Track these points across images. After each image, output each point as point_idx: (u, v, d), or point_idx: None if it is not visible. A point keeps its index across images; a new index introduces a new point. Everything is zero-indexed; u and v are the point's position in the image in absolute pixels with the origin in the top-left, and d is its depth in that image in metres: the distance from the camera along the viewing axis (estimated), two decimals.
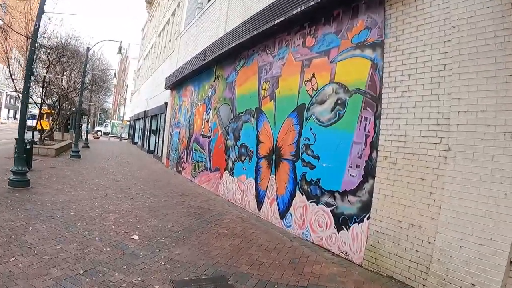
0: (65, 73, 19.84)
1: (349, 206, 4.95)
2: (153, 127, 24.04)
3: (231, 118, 8.79)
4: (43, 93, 17.04)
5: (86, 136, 24.28)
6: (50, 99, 21.43)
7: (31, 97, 18.95)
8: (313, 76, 5.86)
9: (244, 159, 7.88)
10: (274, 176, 6.67)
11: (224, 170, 8.86)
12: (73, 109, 28.85)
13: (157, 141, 20.89)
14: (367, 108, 4.83)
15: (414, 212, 4.12)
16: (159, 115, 21.02)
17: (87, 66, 22.54)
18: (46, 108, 22.13)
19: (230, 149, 8.64)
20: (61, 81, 19.60)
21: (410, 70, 4.37)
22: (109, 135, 42.78)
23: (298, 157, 6.00)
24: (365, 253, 4.66)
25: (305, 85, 6.02)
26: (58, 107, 19.96)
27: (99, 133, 44.08)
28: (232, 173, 8.40)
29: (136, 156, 20.05)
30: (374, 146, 4.68)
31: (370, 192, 4.65)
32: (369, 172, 4.71)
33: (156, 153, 20.45)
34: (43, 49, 16.04)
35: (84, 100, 29.44)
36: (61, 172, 10.17)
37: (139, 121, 33.03)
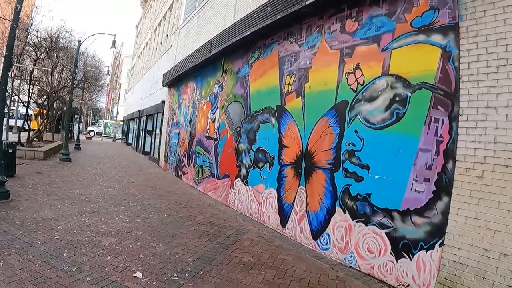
0: (55, 70, 18.57)
1: (413, 229, 3.89)
2: (149, 128, 22.81)
3: (243, 118, 7.68)
4: (30, 91, 15.77)
5: (78, 136, 22.94)
6: (40, 98, 20.14)
7: (17, 95, 17.76)
8: (358, 67, 4.78)
9: (262, 166, 6.78)
10: (303, 187, 5.58)
11: (236, 178, 7.75)
12: (64, 108, 27.49)
13: (153, 142, 19.69)
14: (439, 107, 3.77)
15: (508, 239, 3.15)
16: (155, 114, 19.82)
17: (79, 62, 21.30)
18: (35, 107, 20.84)
19: (243, 153, 7.53)
20: (51, 77, 18.31)
21: (499, 60, 3.37)
22: (102, 135, 41.35)
23: (339, 166, 4.91)
24: (435, 287, 3.63)
25: (347, 78, 4.94)
26: (47, 106, 18.65)
27: (91, 134, 42.64)
28: (246, 182, 7.29)
29: (131, 159, 18.83)
30: (449, 154, 3.63)
31: (445, 213, 3.62)
32: (443, 188, 3.66)
33: (152, 155, 19.25)
34: (31, 43, 14.81)
35: (75, 98, 28.12)
36: (47, 179, 8.96)
37: (133, 121, 31.73)
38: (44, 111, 19.51)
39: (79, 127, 27.03)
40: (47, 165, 11.97)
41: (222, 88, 8.99)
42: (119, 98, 51.03)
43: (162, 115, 16.78)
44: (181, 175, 11.99)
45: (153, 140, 19.96)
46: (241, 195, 7.46)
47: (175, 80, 13.73)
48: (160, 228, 5.53)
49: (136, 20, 46.09)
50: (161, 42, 21.76)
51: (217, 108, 9.19)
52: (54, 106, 22.92)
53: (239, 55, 8.15)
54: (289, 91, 6.22)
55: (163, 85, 15.67)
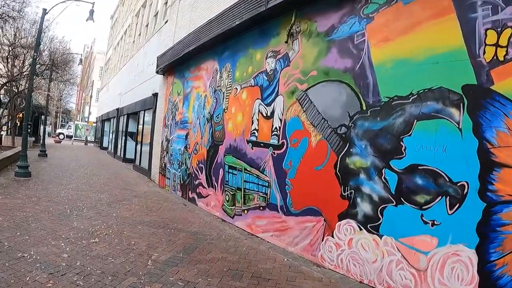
0: (14, 54, 14.29)
1: None
2: (132, 129, 18.73)
3: (357, 110, 4.15)
4: None
5: (43, 141, 18.36)
6: None
7: None
8: None
9: (428, 202, 3.33)
10: None
11: (341, 218, 4.20)
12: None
13: (139, 147, 15.61)
14: None
15: None
16: (142, 112, 15.82)
17: (43, 47, 17.00)
18: None
19: (362, 174, 3.99)
20: (7, 64, 14.01)
21: None
22: (73, 138, 36.43)
23: None
24: None
25: None
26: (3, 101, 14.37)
27: (61, 136, 37.54)
28: (376, 228, 3.78)
29: (111, 169, 14.75)
30: None
31: None
32: None
33: (138, 164, 15.18)
34: None
35: (40, 92, 23.47)
36: None
37: (108, 122, 27.32)
38: None
39: (44, 129, 22.41)
40: None
41: (288, 62, 5.38)
42: (91, 97, 45.87)
43: (154, 112, 12.86)
44: (194, 197, 8.22)
45: (138, 144, 15.93)
46: (360, 251, 3.91)
47: (177, 63, 9.95)
48: None
49: (111, 11, 41.53)
50: (146, 25, 17.82)
51: (276, 95, 5.56)
52: (16, 103, 18.52)
53: (332, 3, 4.63)
54: (502, 58, 2.82)
55: (157, 72, 11.81)
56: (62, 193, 7.83)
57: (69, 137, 38.65)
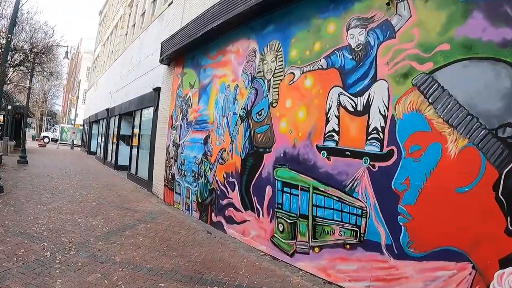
0: None
1: None
2: (125, 132, 16.61)
3: None
4: None
5: (23, 145, 15.86)
6: None
7: None
8: None
9: None
10: None
11: (506, 265, 2.35)
12: (9, 107, 20.35)
13: (136, 153, 13.47)
14: None
15: None
16: (138, 111, 13.69)
17: (24, 35, 14.77)
18: None
19: None
20: None
21: None
22: (58, 142, 33.88)
23: None
24: None
25: None
26: None
27: (46, 140, 34.91)
28: None
29: (102, 178, 12.61)
30: None
31: None
32: None
33: (134, 172, 13.04)
34: None
35: (18, 84, 21.04)
36: None
37: (97, 124, 25.02)
38: None
39: (24, 132, 20.00)
40: None
41: (393, 33, 3.51)
42: (77, 97, 43.22)
43: (156, 110, 10.81)
44: (220, 222, 6.24)
45: (134, 149, 13.82)
46: None
47: (189, 48, 7.98)
48: None
49: (99, 8, 39.17)
50: (142, 14, 15.78)
51: (373, 81, 3.67)
52: None
53: None
54: None
55: (161, 61, 9.80)
56: (40, 218, 5.75)
57: (55, 140, 36.12)
